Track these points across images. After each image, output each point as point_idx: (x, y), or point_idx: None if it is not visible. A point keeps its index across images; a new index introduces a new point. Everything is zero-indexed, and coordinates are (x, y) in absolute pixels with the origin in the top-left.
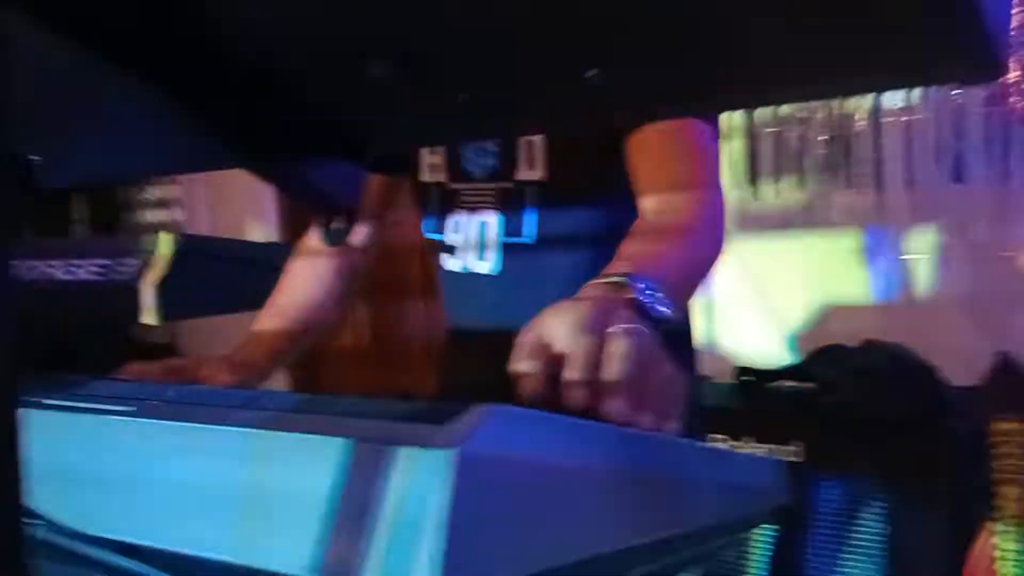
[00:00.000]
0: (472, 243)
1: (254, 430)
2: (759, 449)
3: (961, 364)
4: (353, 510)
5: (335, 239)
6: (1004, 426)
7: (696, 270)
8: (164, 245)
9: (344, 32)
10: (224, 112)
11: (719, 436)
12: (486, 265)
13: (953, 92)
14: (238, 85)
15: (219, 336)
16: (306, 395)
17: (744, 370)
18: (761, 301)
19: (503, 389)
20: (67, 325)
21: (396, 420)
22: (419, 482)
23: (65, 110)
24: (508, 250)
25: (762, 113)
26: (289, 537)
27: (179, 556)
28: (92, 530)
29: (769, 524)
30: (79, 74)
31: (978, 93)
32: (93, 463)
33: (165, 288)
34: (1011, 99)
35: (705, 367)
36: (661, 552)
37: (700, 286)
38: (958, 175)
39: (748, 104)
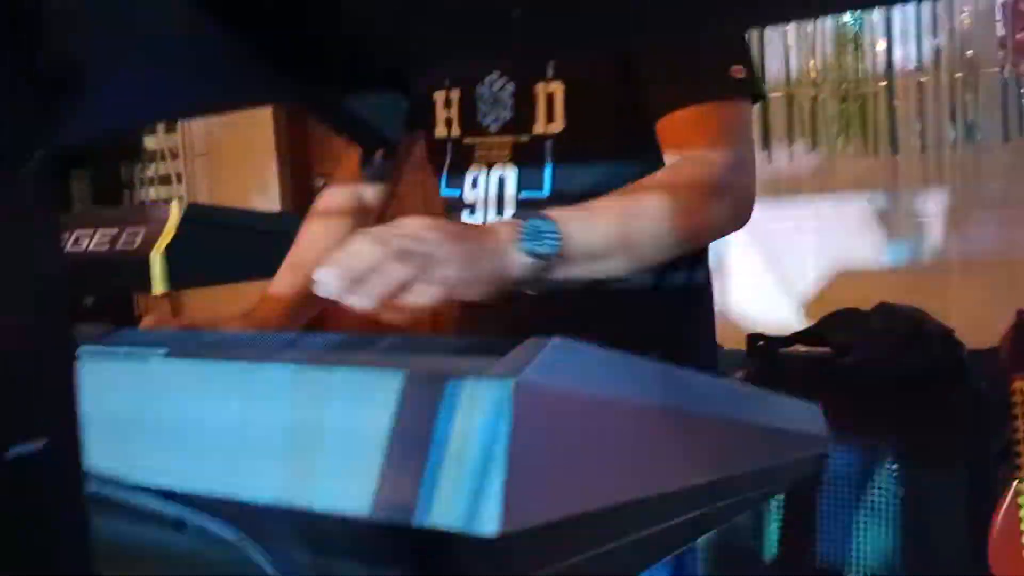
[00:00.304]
0: (491, 198)
1: (304, 366)
2: None
3: (977, 326)
4: (410, 445)
5: (377, 173)
6: (1023, 384)
7: (651, 228)
8: (173, 214)
9: None
10: (266, 43)
11: None
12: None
13: (967, 52)
14: (280, 16)
15: (224, 307)
16: (350, 334)
17: (756, 336)
18: (773, 266)
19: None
20: (75, 295)
21: (451, 354)
22: (478, 413)
23: (113, 48)
24: (524, 206)
25: (775, 75)
26: (343, 476)
27: (229, 501)
28: (137, 478)
29: (812, 472)
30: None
31: (991, 52)
32: (134, 409)
33: (173, 257)
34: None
35: (719, 333)
36: (712, 495)
37: (668, 245)
38: (972, 136)
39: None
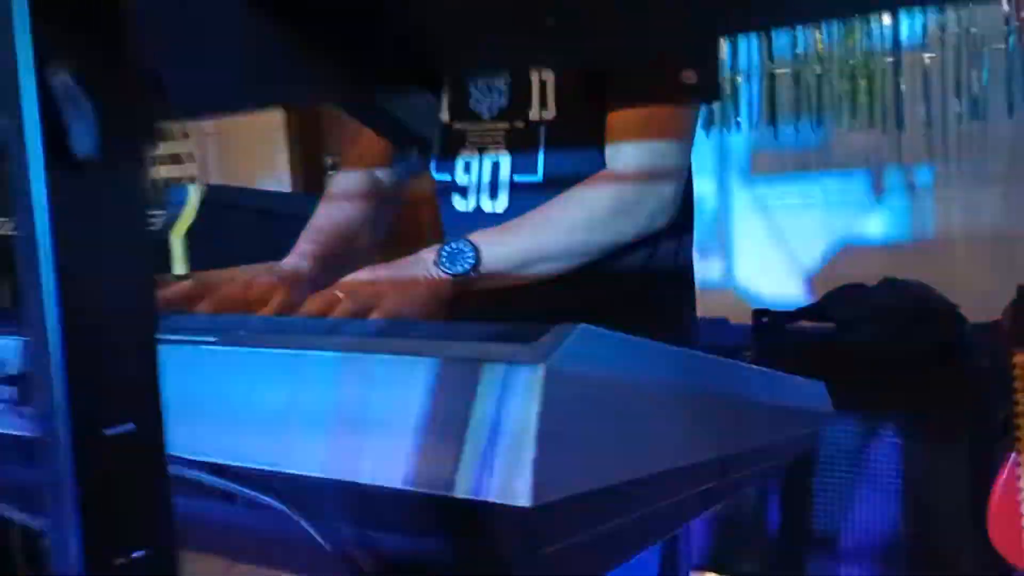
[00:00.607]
0: (484, 183)
1: (348, 354)
2: None
3: (982, 300)
4: (446, 424)
5: (411, 168)
6: (1022, 359)
7: (561, 243)
8: (192, 196)
9: None
10: (312, 48)
11: None
12: (497, 204)
13: (971, 29)
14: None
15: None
16: (386, 322)
17: (761, 312)
18: (780, 242)
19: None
20: None
21: (482, 340)
22: (511, 396)
23: (181, 53)
24: (517, 189)
25: (781, 52)
26: (385, 452)
27: (278, 475)
28: (193, 455)
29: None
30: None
31: (996, 29)
32: (189, 393)
33: (193, 238)
34: None
35: (724, 309)
36: (726, 467)
37: (585, 244)
38: (976, 112)
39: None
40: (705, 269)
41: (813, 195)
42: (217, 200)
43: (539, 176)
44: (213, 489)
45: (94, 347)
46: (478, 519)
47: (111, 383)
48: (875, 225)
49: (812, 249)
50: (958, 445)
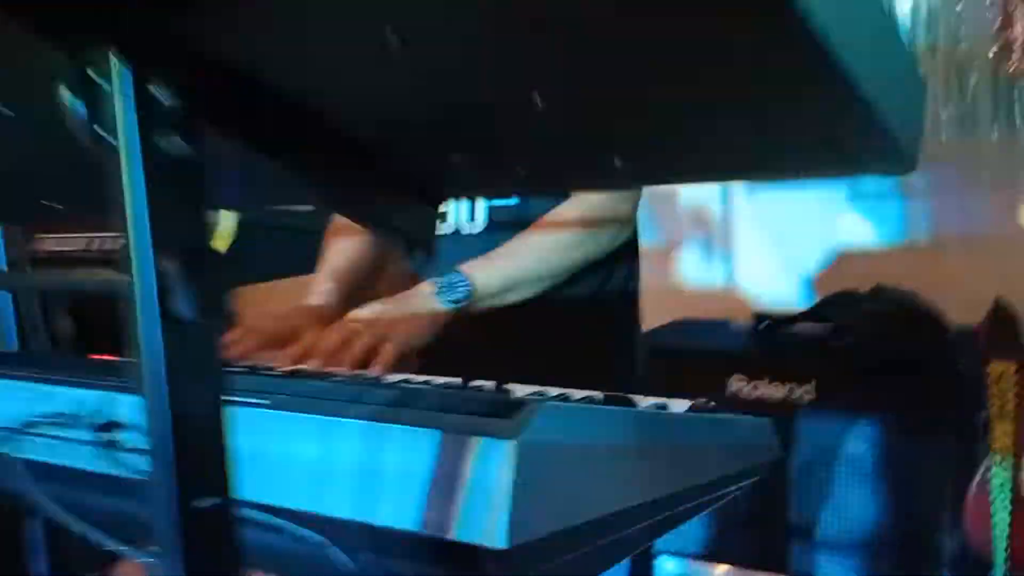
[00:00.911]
0: (462, 206)
1: (366, 421)
2: (776, 389)
3: (976, 301)
4: (442, 481)
5: (418, 266)
6: (997, 367)
7: (541, 264)
8: (226, 216)
9: (431, 128)
10: (335, 168)
11: (739, 376)
12: (474, 227)
13: (960, 45)
14: (346, 149)
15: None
16: (401, 389)
17: (761, 315)
18: (780, 246)
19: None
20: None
21: (473, 414)
22: (492, 463)
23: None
24: (493, 211)
25: None
26: (399, 501)
27: (314, 515)
28: (247, 497)
29: (764, 475)
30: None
31: (984, 47)
32: (247, 445)
33: (232, 257)
34: (1014, 56)
35: (726, 310)
36: (676, 502)
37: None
38: (963, 125)
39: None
40: (709, 271)
41: (817, 199)
42: (251, 220)
43: (514, 199)
44: (263, 523)
45: (186, 438)
46: (464, 556)
47: (200, 463)
48: (872, 228)
49: (812, 253)
50: (941, 445)
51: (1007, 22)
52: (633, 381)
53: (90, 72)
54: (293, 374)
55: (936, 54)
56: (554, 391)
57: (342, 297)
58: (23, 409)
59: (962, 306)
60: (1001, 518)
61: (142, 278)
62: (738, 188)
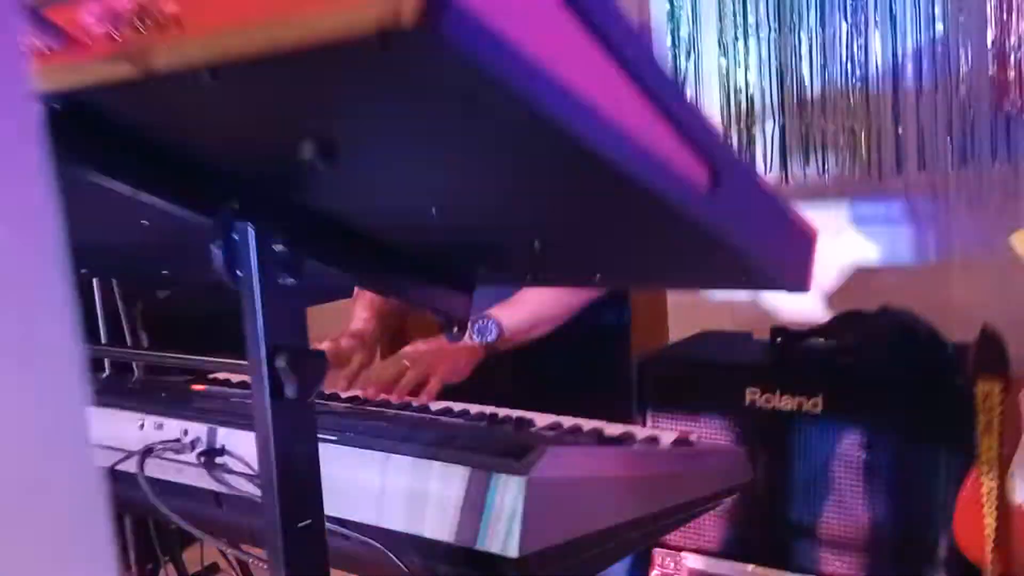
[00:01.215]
0: None
1: (417, 459)
2: (788, 400)
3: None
4: (473, 505)
5: (454, 339)
6: (984, 387)
7: (556, 307)
8: None
9: (461, 254)
10: (393, 271)
11: (754, 388)
12: None
13: (960, 85)
14: (402, 263)
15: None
16: (441, 426)
17: (778, 330)
18: None
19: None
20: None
21: (495, 454)
22: (509, 494)
23: None
24: None
25: (788, 95)
26: (439, 518)
27: (375, 527)
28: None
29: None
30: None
31: (984, 86)
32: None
33: None
34: (1011, 95)
35: (750, 322)
36: (659, 519)
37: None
38: (965, 157)
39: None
40: None
41: (830, 221)
42: None
43: None
44: (337, 533)
45: (289, 478)
46: (487, 561)
47: (299, 494)
48: (884, 250)
49: (830, 269)
50: (937, 455)
51: (1004, 65)
52: (626, 400)
53: (228, 230)
54: (356, 405)
55: (940, 92)
56: (568, 421)
57: (379, 324)
58: (143, 436)
59: (966, 324)
60: (988, 525)
61: (259, 369)
62: None
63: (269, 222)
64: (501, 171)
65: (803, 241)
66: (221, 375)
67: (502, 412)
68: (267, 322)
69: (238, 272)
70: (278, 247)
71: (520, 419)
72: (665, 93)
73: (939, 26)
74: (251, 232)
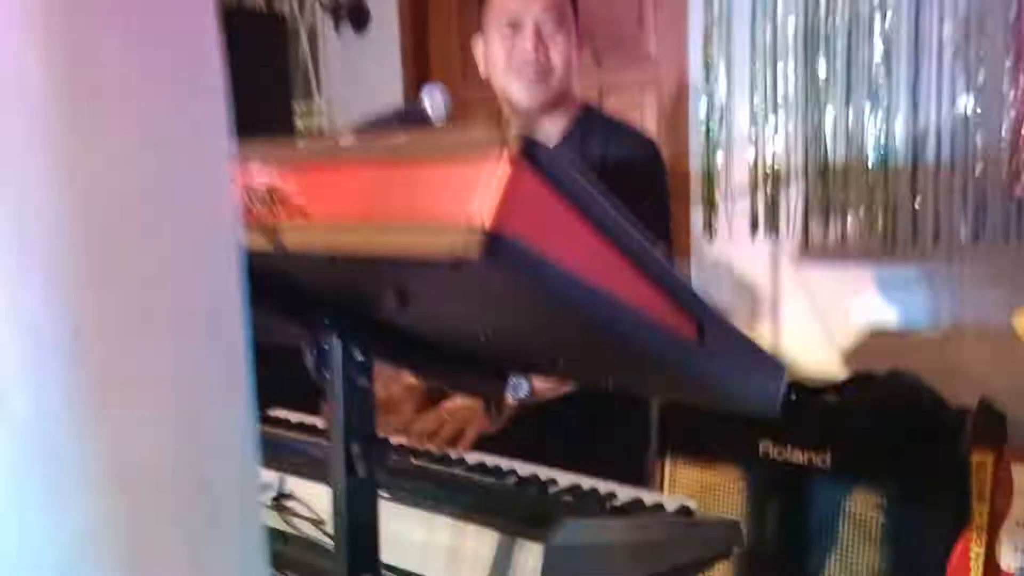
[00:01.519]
0: None
1: (458, 522)
2: (798, 454)
3: (977, 387)
4: (502, 563)
5: (494, 421)
6: (978, 457)
7: None
8: None
9: (494, 360)
10: (439, 364)
11: (768, 441)
12: None
13: (976, 165)
14: (447, 357)
15: None
16: (477, 487)
17: (792, 386)
18: (820, 322)
19: None
20: None
21: (522, 520)
22: (530, 556)
23: None
24: None
25: (812, 164)
26: (470, 572)
27: (414, 574)
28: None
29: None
30: None
31: (998, 169)
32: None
33: None
34: (1023, 177)
35: None
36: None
37: None
38: (977, 233)
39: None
40: (755, 337)
41: (850, 281)
42: None
43: None
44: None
45: (355, 536)
46: None
47: (364, 549)
48: (898, 312)
49: (848, 329)
50: (933, 515)
51: (1017, 148)
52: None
53: (320, 340)
54: (403, 457)
55: (956, 171)
56: (587, 483)
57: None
58: None
59: (972, 389)
60: None
61: (337, 452)
62: (786, 261)
63: (352, 337)
64: (536, 324)
65: (774, 375)
66: (280, 413)
67: (528, 470)
68: (346, 415)
69: (326, 375)
70: (358, 356)
71: (544, 482)
72: (665, 277)
73: (959, 107)
74: (338, 344)
